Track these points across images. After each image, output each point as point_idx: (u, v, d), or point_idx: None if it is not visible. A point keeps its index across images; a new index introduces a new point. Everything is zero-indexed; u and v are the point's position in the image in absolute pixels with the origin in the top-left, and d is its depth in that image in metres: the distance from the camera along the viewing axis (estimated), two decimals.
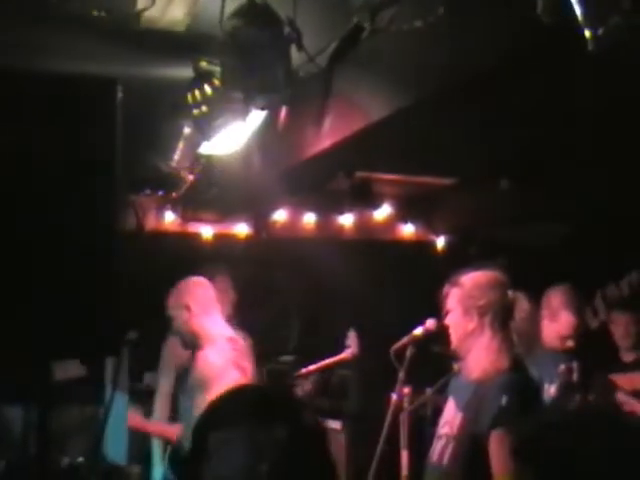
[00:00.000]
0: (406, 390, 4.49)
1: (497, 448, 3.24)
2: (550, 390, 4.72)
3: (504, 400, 3.29)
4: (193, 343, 4.69)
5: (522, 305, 3.58)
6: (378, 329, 4.81)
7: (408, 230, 7.32)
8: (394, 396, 4.49)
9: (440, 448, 3.53)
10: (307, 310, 6.87)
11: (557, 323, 5.14)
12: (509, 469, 3.16)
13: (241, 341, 4.73)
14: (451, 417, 3.56)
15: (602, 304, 7.33)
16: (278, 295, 6.87)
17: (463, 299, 3.56)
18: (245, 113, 3.54)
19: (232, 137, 3.78)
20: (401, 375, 4.40)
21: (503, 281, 3.60)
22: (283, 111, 3.71)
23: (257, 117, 3.69)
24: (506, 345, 3.50)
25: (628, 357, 6.09)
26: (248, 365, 4.64)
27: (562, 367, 5.04)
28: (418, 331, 4.42)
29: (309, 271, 6.78)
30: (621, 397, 5.71)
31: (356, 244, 7.04)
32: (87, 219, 2.50)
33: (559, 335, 5.15)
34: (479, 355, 3.50)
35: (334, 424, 6.12)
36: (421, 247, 7.46)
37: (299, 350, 5.80)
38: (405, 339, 4.41)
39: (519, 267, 7.35)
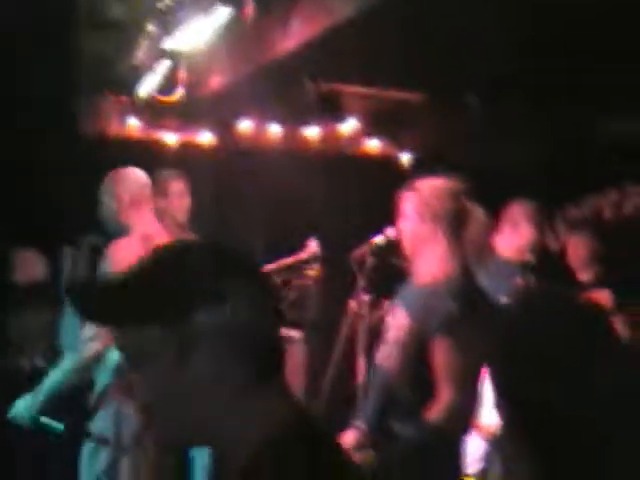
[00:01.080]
0: (365, 298, 4.50)
1: (441, 352, 3.26)
2: (503, 302, 4.74)
3: (451, 306, 3.30)
4: (114, 234, 4.48)
5: (477, 216, 3.57)
6: (340, 240, 4.80)
7: (374, 145, 7.29)
8: (353, 303, 4.51)
9: (386, 352, 3.54)
10: (271, 220, 6.85)
11: (517, 235, 5.16)
12: (453, 373, 3.21)
13: (158, 239, 4.57)
14: (398, 322, 3.57)
15: (562, 225, 7.39)
16: (242, 204, 6.84)
17: (418, 205, 3.52)
18: (209, 7, 3.47)
19: (196, 32, 3.70)
20: (360, 283, 4.41)
21: (459, 190, 3.58)
22: (249, 8, 3.64)
23: (222, 13, 3.61)
24: (457, 253, 3.49)
25: (584, 276, 6.17)
26: None
27: (518, 279, 5.07)
28: (378, 239, 4.42)
29: (273, 181, 6.75)
30: None
31: (321, 156, 7.01)
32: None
33: (518, 247, 5.17)
34: (429, 261, 3.48)
35: (294, 333, 6.15)
36: (386, 163, 7.45)
37: (263, 260, 5.77)
38: (365, 247, 4.41)
39: (484, 186, 7.45)
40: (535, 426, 1.69)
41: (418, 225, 3.51)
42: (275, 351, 1.56)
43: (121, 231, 4.35)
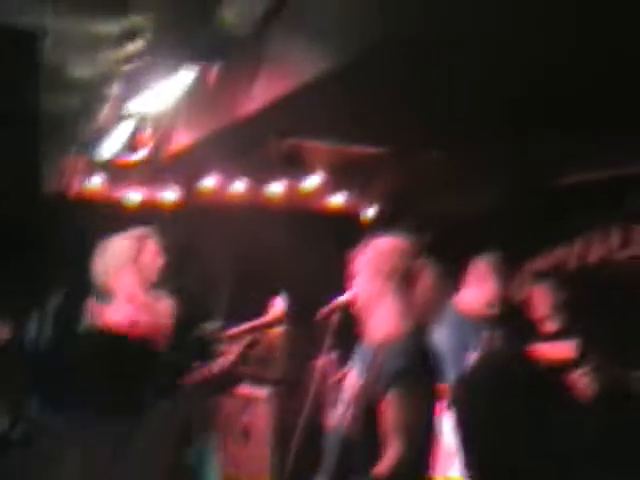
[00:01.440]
0: (332, 357, 4.49)
1: (390, 408, 3.27)
2: (472, 357, 4.75)
3: (401, 363, 3.32)
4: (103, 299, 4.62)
5: (429, 274, 3.60)
6: (306, 297, 4.79)
7: (337, 200, 7.32)
8: (320, 362, 4.49)
9: (339, 414, 3.56)
10: (235, 277, 6.83)
11: (482, 290, 5.18)
12: (402, 426, 3.21)
13: (143, 298, 4.66)
14: (351, 383, 3.59)
15: (529, 277, 7.43)
16: (206, 262, 6.81)
17: (370, 262, 3.56)
18: (174, 71, 3.48)
19: (161, 95, 3.71)
20: (327, 342, 4.40)
21: (409, 247, 3.61)
22: (213, 71, 3.65)
23: (186, 76, 3.62)
24: (408, 311, 3.51)
25: (550, 327, 6.20)
26: (145, 321, 4.58)
27: (485, 335, 5.09)
28: (345, 298, 4.42)
29: (238, 238, 6.75)
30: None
31: (285, 213, 7.01)
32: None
33: (483, 303, 5.19)
34: (381, 320, 3.50)
35: (259, 392, 6.11)
36: (350, 217, 7.48)
37: (227, 317, 5.75)
38: (332, 305, 4.40)
39: (448, 237, 7.49)
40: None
41: (370, 283, 3.54)
42: None
43: (109, 298, 4.48)
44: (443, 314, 5.04)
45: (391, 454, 3.24)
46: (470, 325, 5.10)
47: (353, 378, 3.62)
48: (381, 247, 3.58)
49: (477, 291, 5.17)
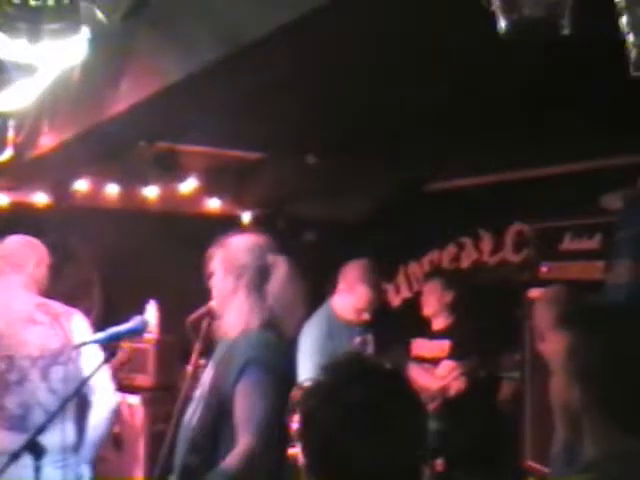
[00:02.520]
0: (202, 362, 4.45)
1: (240, 399, 3.31)
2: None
3: (251, 354, 3.37)
4: None
5: (281, 269, 3.65)
6: (179, 302, 4.74)
7: (214, 204, 7.27)
8: (190, 368, 4.44)
9: (191, 409, 3.56)
10: (109, 283, 6.71)
11: (353, 296, 5.21)
12: (252, 417, 3.25)
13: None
14: (205, 379, 3.62)
15: (404, 281, 7.53)
16: (78, 266, 6.67)
17: (224, 260, 3.65)
18: (35, 68, 3.37)
19: (22, 93, 3.60)
20: (197, 346, 4.35)
21: (262, 244, 3.68)
22: (76, 70, 3.56)
23: (49, 74, 3.52)
24: (258, 306, 3.54)
25: (438, 324, 6.30)
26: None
27: (357, 339, 5.13)
28: (215, 302, 4.39)
29: (111, 242, 6.63)
30: (411, 365, 5.92)
31: (160, 217, 6.93)
32: None
33: (354, 308, 5.22)
34: (233, 315, 3.57)
35: (132, 399, 6.01)
36: (227, 221, 7.43)
37: (100, 321, 5.63)
38: (202, 310, 4.36)
39: (325, 242, 7.53)
40: None
41: (224, 280, 3.62)
42: None
43: None
44: (318, 315, 5.07)
45: (241, 446, 3.24)
46: (343, 329, 5.12)
47: (205, 374, 3.64)
48: (233, 244, 3.68)
49: (349, 296, 5.20)
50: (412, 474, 1.82)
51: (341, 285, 5.21)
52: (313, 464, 1.81)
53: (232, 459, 3.23)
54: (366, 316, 5.27)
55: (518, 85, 4.06)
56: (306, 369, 4.75)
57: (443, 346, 6.16)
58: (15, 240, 4.41)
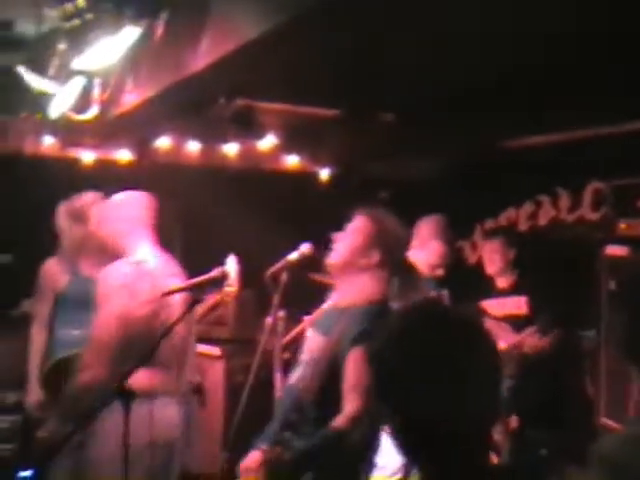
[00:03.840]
0: (281, 314, 4.55)
1: (351, 364, 3.37)
2: None
3: (366, 325, 3.41)
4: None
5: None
6: (259, 256, 4.83)
7: (292, 161, 7.34)
8: (269, 320, 4.54)
9: (299, 372, 3.63)
10: (189, 238, 6.84)
11: (426, 251, 5.23)
12: (361, 384, 3.28)
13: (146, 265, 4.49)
14: (313, 344, 3.66)
15: (481, 238, 7.52)
16: (159, 222, 6.80)
17: (374, 233, 3.64)
18: (118, 27, 3.47)
19: (107, 51, 3.70)
20: (276, 300, 4.44)
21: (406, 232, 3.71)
22: (159, 27, 3.65)
23: (132, 32, 3.62)
24: (386, 280, 3.59)
25: (502, 283, 6.32)
26: (144, 289, 4.41)
27: (432, 293, 5.15)
28: (294, 256, 4.46)
29: (192, 198, 6.76)
30: (488, 322, 5.94)
31: (240, 173, 7.03)
32: None
33: (428, 263, 5.25)
34: (356, 285, 3.59)
35: (213, 350, 6.16)
36: (305, 178, 7.51)
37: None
38: (281, 263, 4.44)
39: (400, 201, 7.56)
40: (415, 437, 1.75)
41: (360, 249, 3.60)
42: None
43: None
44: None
45: (349, 409, 3.34)
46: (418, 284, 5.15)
47: (313, 340, 3.69)
48: (387, 221, 3.67)
49: (422, 252, 5.22)
50: (485, 428, 1.80)
51: (415, 241, 5.23)
52: (386, 409, 1.80)
53: (341, 420, 3.34)
54: (440, 272, 5.30)
55: (597, 40, 4.02)
56: None
57: (508, 303, 6.17)
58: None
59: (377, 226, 3.65)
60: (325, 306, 3.85)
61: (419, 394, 1.71)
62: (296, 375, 3.67)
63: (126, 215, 4.35)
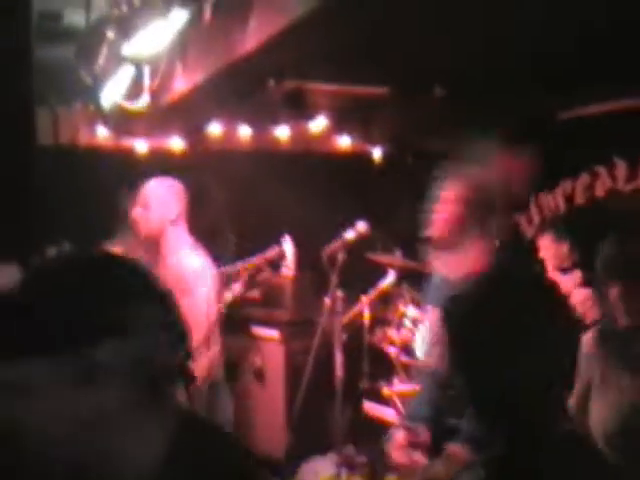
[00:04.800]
0: (339, 294, 4.54)
1: None
2: None
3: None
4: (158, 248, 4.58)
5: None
6: (314, 238, 4.83)
7: (344, 141, 7.32)
8: (327, 300, 4.54)
9: (436, 353, 3.59)
10: (243, 223, 6.86)
11: None
12: None
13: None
14: (432, 319, 3.63)
15: (537, 212, 7.43)
16: (214, 208, 6.84)
17: (465, 196, 3.59)
18: (166, 11, 3.47)
19: (155, 37, 3.71)
20: (333, 279, 4.44)
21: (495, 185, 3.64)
22: (207, 10, 3.64)
23: (179, 16, 3.62)
24: (490, 249, 3.54)
25: (563, 264, 6.24)
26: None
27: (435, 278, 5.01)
28: (349, 234, 4.45)
29: (245, 183, 6.78)
30: None
31: (292, 156, 7.04)
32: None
33: None
34: (468, 254, 3.55)
35: (271, 332, 6.17)
36: (358, 158, 7.48)
37: (235, 261, 5.80)
38: (337, 243, 4.44)
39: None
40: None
41: (463, 218, 3.57)
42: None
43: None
44: None
45: None
46: None
47: (434, 313, 3.65)
48: (484, 185, 3.62)
49: None
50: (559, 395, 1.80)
51: None
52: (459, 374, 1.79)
53: None
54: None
55: None
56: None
57: (574, 277, 6.09)
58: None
59: (473, 191, 3.58)
60: (433, 279, 3.80)
61: (494, 362, 1.70)
62: (433, 355, 3.64)
63: (171, 201, 4.48)
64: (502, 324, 1.71)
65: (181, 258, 4.45)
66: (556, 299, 1.78)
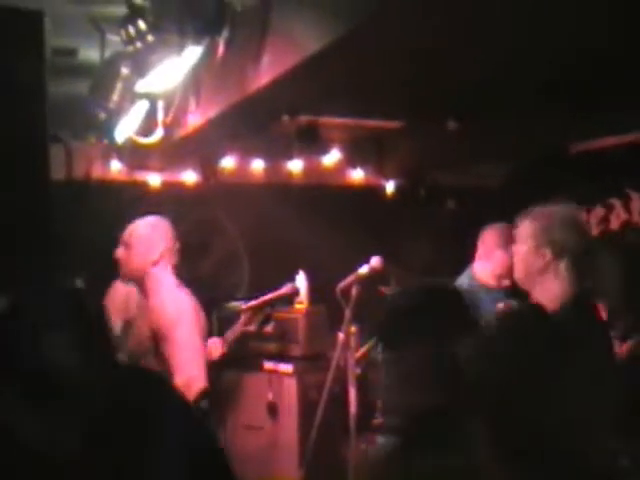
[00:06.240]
0: (353, 329, 4.51)
1: None
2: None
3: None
4: (142, 288, 4.52)
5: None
6: (328, 272, 4.82)
7: (358, 175, 7.33)
8: (341, 335, 4.51)
9: None
10: (256, 256, 6.86)
11: (491, 262, 5.06)
12: None
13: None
14: None
15: None
16: (227, 241, 6.85)
17: (533, 231, 3.56)
18: (180, 48, 3.49)
19: (168, 74, 3.72)
20: (347, 314, 4.42)
21: (582, 221, 3.62)
22: (220, 46, 3.66)
23: (193, 52, 3.63)
24: (568, 274, 3.50)
25: None
26: (199, 308, 4.53)
27: (500, 305, 4.96)
28: (364, 269, 4.44)
29: (258, 216, 6.78)
30: None
31: (305, 189, 7.04)
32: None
33: (494, 274, 5.09)
34: (544, 288, 3.50)
35: (285, 367, 6.13)
36: (371, 192, 7.49)
37: (248, 296, 5.79)
38: (351, 277, 4.42)
39: (467, 209, 7.49)
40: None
41: (530, 252, 3.54)
42: None
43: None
44: (459, 282, 4.99)
45: None
46: (485, 296, 4.97)
47: None
48: (554, 218, 3.58)
49: (487, 262, 5.06)
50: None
51: (479, 251, 5.09)
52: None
53: None
54: (507, 282, 5.15)
55: None
56: None
57: None
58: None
59: (538, 224, 3.55)
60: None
61: (519, 396, 1.68)
62: None
63: (154, 241, 4.44)
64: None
65: (161, 301, 4.38)
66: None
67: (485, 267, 5.07)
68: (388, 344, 2.15)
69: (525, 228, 3.58)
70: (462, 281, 5.03)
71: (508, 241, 5.11)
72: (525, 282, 3.59)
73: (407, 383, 2.02)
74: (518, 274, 3.61)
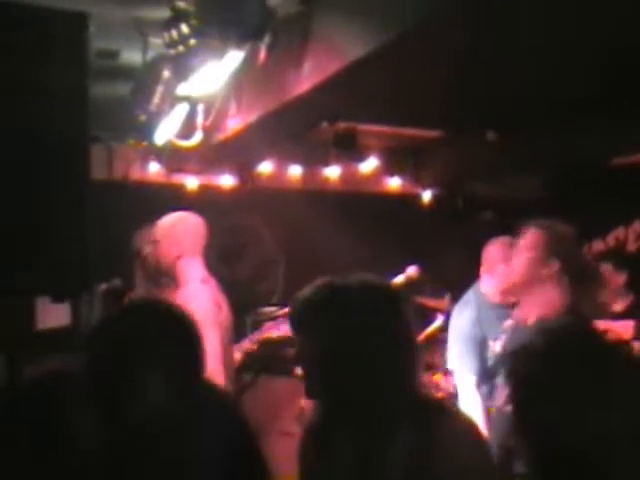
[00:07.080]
0: None
1: None
2: (495, 347, 4.49)
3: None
4: (168, 282, 4.49)
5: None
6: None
7: (394, 183, 7.32)
8: None
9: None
10: (291, 262, 6.86)
11: (495, 277, 4.88)
12: None
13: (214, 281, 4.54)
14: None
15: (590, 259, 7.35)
16: (262, 247, 6.86)
17: (543, 241, 3.54)
18: (222, 52, 3.50)
19: (210, 77, 3.73)
20: None
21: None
22: (262, 52, 3.66)
23: (235, 57, 3.64)
24: (569, 289, 3.50)
25: (617, 307, 6.11)
26: (224, 303, 4.47)
27: (508, 322, 4.74)
28: (400, 278, 4.42)
29: (294, 222, 6.78)
30: None
31: (342, 196, 7.04)
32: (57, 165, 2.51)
33: (499, 290, 4.89)
34: (541, 298, 3.48)
35: None
36: (407, 200, 7.47)
37: (283, 301, 5.79)
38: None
39: (504, 221, 7.43)
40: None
41: (538, 265, 3.51)
42: None
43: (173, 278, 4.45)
44: (467, 298, 4.83)
45: None
46: (492, 312, 4.78)
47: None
48: (560, 229, 3.57)
49: (491, 278, 4.91)
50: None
51: (483, 266, 4.89)
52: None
53: None
54: (512, 298, 4.94)
55: None
56: (453, 355, 4.60)
57: (627, 327, 5.95)
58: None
59: (550, 235, 3.56)
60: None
61: (567, 420, 1.65)
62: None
63: (179, 235, 4.37)
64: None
65: (184, 296, 4.32)
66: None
67: (489, 282, 4.85)
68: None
69: (533, 237, 3.57)
70: (469, 297, 4.85)
71: (510, 255, 4.97)
72: (520, 288, 3.57)
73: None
74: (515, 278, 3.59)
